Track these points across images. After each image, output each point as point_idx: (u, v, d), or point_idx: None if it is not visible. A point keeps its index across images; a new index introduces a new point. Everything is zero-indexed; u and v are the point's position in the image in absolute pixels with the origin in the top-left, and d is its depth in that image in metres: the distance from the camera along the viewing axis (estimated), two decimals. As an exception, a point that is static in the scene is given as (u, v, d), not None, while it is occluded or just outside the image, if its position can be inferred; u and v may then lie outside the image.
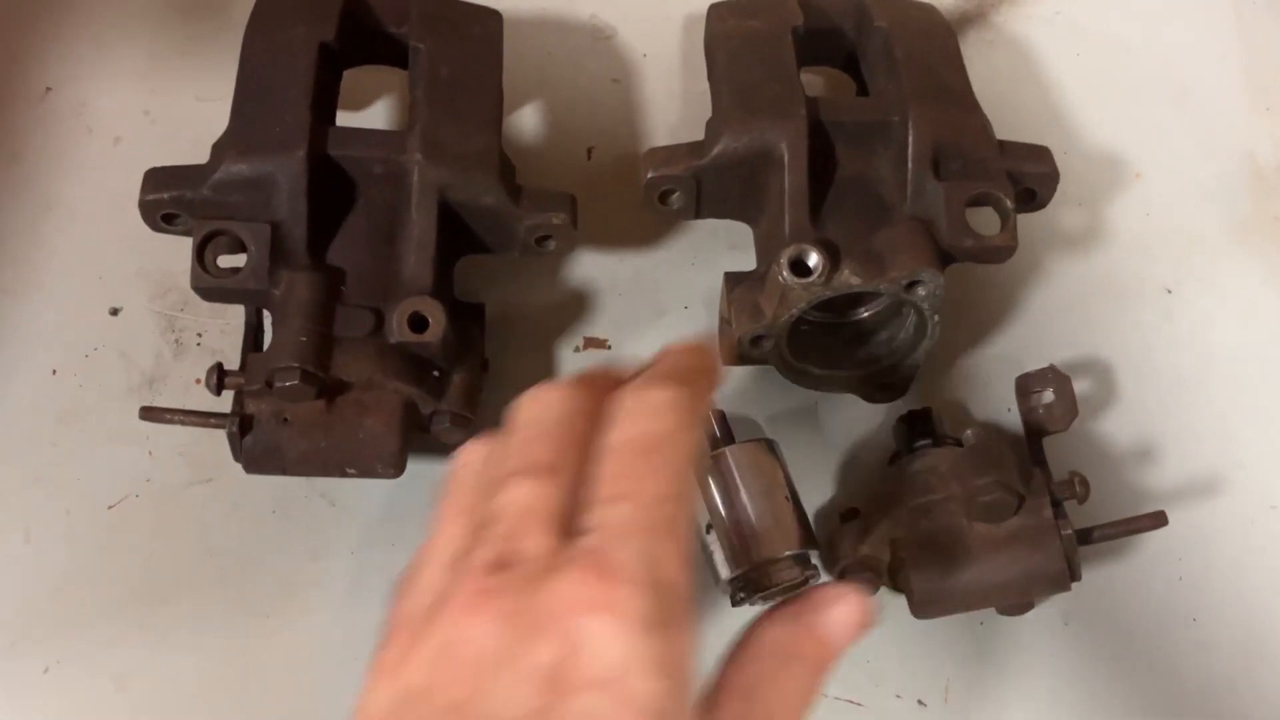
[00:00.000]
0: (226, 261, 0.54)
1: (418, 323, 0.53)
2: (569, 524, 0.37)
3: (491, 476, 0.39)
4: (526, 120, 0.68)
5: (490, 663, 0.34)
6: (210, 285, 0.53)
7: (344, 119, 0.60)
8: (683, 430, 0.39)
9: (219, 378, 0.53)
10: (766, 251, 0.58)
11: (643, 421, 0.39)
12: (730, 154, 0.56)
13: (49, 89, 0.68)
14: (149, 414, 0.55)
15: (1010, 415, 0.62)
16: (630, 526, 0.36)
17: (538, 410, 0.40)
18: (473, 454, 0.42)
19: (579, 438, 0.39)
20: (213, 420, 0.54)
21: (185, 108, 0.68)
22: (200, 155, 0.56)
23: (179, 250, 0.59)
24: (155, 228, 0.56)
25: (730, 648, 0.41)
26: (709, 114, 0.60)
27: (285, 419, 0.53)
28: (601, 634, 0.34)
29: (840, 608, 0.42)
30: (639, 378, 0.41)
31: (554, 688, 0.34)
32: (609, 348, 0.64)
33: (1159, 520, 0.54)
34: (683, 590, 0.36)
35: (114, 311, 0.63)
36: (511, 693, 0.34)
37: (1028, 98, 0.70)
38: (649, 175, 0.57)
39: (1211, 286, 0.65)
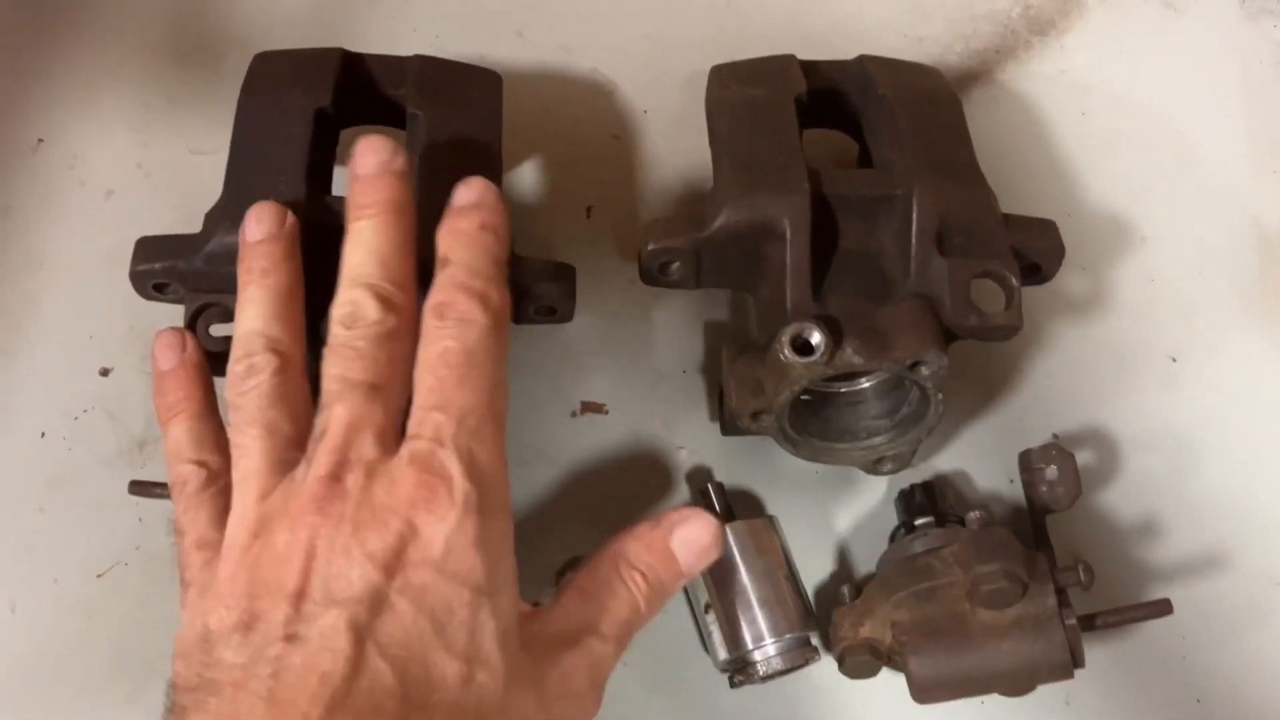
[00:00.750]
0: (220, 330, 0.53)
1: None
2: (392, 435, 0.44)
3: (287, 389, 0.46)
4: (525, 176, 0.67)
5: (325, 554, 0.41)
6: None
7: (340, 174, 0.59)
8: (491, 339, 0.46)
9: (210, 455, 0.52)
10: (767, 322, 0.57)
11: (452, 332, 0.45)
12: (731, 227, 0.55)
13: (41, 140, 0.67)
14: (139, 489, 0.54)
15: (1012, 486, 0.61)
16: (448, 433, 0.43)
17: (353, 335, 0.46)
18: (233, 375, 0.47)
19: (395, 356, 0.45)
20: (203, 496, 0.53)
21: (179, 160, 0.67)
22: (194, 209, 0.55)
23: (171, 310, 0.58)
24: (146, 297, 0.55)
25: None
26: (709, 170, 0.59)
27: (277, 496, 0.52)
28: (428, 521, 0.42)
29: (688, 528, 0.49)
30: (439, 275, 0.47)
31: (388, 569, 0.41)
32: (607, 413, 0.63)
33: (1164, 609, 0.53)
34: (497, 482, 0.44)
35: (104, 372, 0.62)
36: (349, 573, 0.41)
37: (1032, 157, 0.69)
38: (649, 247, 0.56)
39: (1216, 354, 0.65)
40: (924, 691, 0.53)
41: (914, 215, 0.54)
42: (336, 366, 0.45)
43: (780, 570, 0.56)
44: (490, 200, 0.49)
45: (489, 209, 0.49)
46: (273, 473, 0.44)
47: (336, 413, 0.44)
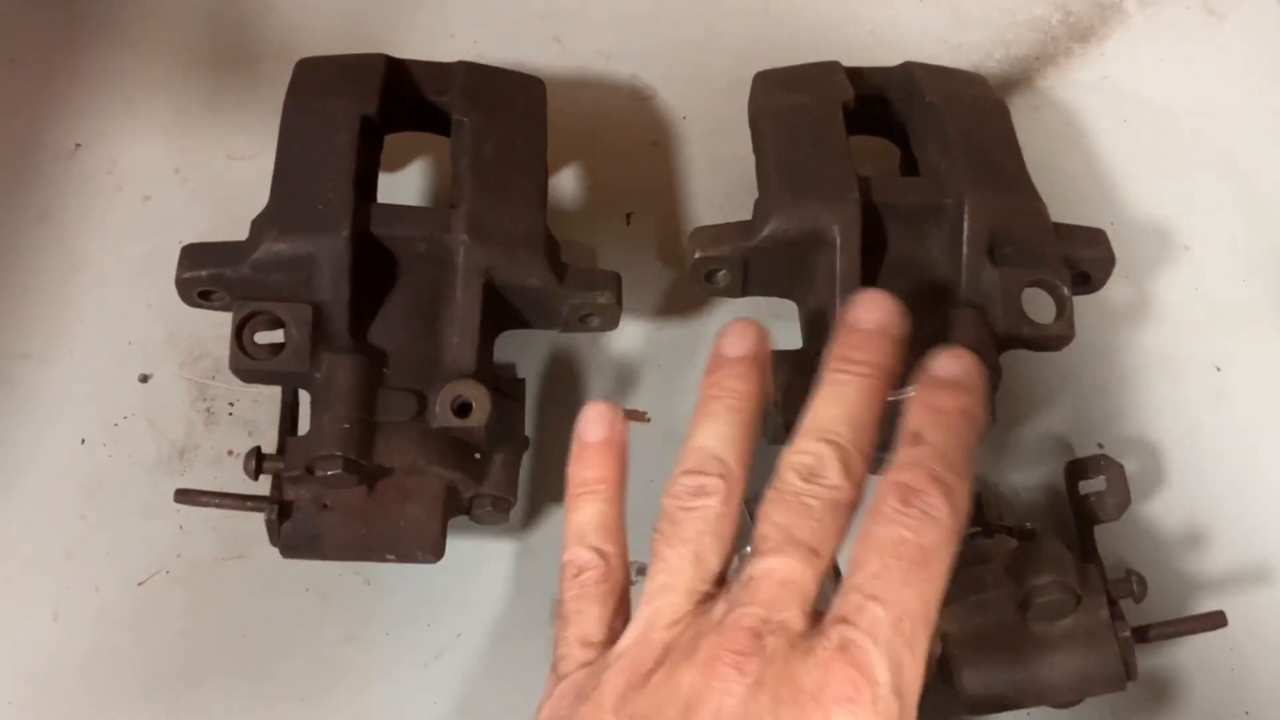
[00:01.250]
0: (265, 337, 0.53)
1: (462, 407, 0.51)
2: (811, 607, 0.41)
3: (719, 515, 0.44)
4: (565, 183, 0.67)
5: (733, 714, 0.39)
6: (250, 367, 0.52)
7: (383, 180, 0.59)
8: (948, 544, 0.41)
9: (258, 463, 0.52)
10: (814, 331, 0.56)
11: (913, 525, 0.41)
12: (779, 236, 0.54)
13: (78, 145, 0.66)
14: (184, 497, 0.53)
15: (1058, 496, 0.60)
16: (884, 632, 0.39)
17: (809, 490, 0.43)
18: (681, 487, 0.45)
19: (840, 528, 0.42)
20: (250, 504, 0.53)
21: (216, 166, 0.66)
22: (231, 216, 0.55)
23: (211, 316, 0.58)
24: (192, 304, 0.55)
25: None
26: (748, 177, 0.59)
27: (325, 505, 0.52)
28: None
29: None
30: (907, 450, 0.43)
31: None
32: (648, 420, 0.62)
33: (1218, 621, 0.52)
34: (912, 701, 0.40)
35: (144, 379, 0.62)
36: None
37: (1074, 165, 0.69)
38: (696, 255, 0.55)
39: (1262, 363, 0.64)
40: (976, 705, 0.52)
41: (965, 225, 0.54)
42: (783, 515, 0.42)
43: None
44: (976, 382, 0.45)
45: (974, 392, 0.44)
46: (688, 600, 0.42)
47: (771, 565, 0.41)
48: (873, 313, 0.46)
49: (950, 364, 0.45)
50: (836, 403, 0.44)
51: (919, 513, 0.41)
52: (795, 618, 0.40)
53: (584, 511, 0.47)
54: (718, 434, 0.45)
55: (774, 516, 0.42)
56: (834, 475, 0.42)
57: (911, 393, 0.45)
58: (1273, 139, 0.69)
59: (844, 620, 0.40)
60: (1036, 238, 0.55)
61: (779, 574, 0.41)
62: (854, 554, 0.41)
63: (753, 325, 0.47)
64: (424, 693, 0.56)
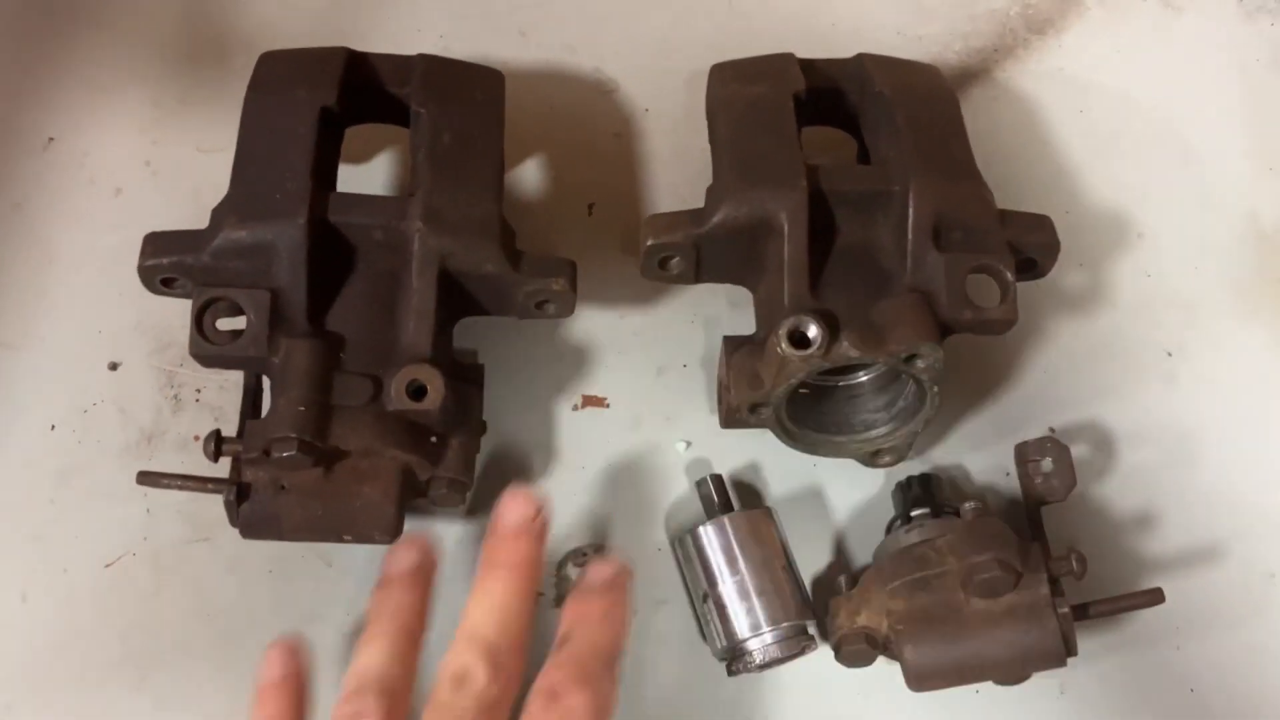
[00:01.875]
0: (226, 324, 0.54)
1: (417, 391, 0.53)
2: None
3: None
4: (528, 174, 0.68)
5: None
6: (209, 353, 0.53)
7: (345, 172, 0.60)
8: None
9: (217, 445, 0.53)
10: (766, 317, 0.57)
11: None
12: (730, 223, 0.56)
13: (51, 139, 0.68)
14: (146, 479, 0.55)
15: (1009, 480, 0.62)
16: None
17: (459, 698, 0.46)
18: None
19: None
20: (210, 486, 0.54)
21: (187, 158, 0.68)
22: (202, 206, 0.56)
23: (179, 306, 0.59)
24: (154, 291, 0.56)
25: None
26: (709, 169, 0.60)
27: (282, 486, 0.53)
28: None
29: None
30: (558, 650, 0.47)
31: None
32: (607, 406, 0.64)
33: (1155, 598, 0.54)
34: None
35: (113, 366, 0.63)
36: None
37: (1031, 155, 0.70)
38: (649, 242, 0.56)
39: (1213, 350, 0.65)
40: (919, 680, 0.54)
41: (910, 211, 0.55)
42: None
43: (778, 560, 0.56)
44: (622, 586, 0.49)
45: (619, 597, 0.49)
46: None
47: None
48: (513, 513, 0.49)
49: (601, 569, 0.49)
50: (484, 605, 0.48)
51: (563, 711, 0.44)
52: None
53: (371, 654, 0.48)
54: (379, 653, 0.47)
55: None
56: (481, 678, 0.45)
57: None
58: (1227, 129, 0.70)
59: None
60: (982, 224, 0.56)
61: None
62: None
63: (417, 543, 0.50)
64: (384, 671, 0.58)
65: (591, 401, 0.64)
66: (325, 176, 0.57)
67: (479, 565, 0.49)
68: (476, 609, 0.48)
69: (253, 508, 0.53)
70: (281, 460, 0.51)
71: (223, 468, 0.54)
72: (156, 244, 0.54)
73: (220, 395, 0.63)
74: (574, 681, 0.45)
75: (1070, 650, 0.53)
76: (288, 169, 0.54)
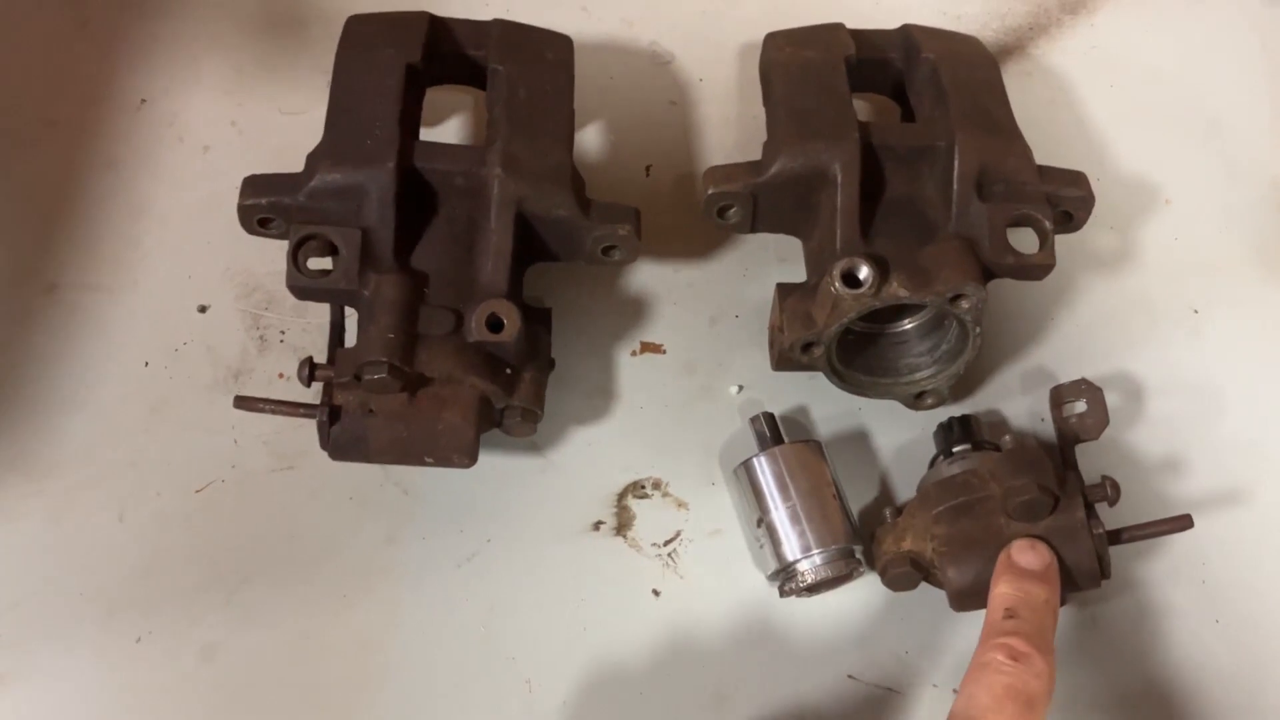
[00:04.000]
0: (315, 263, 0.58)
1: (494, 323, 0.57)
2: None
3: None
4: (590, 138, 0.73)
5: None
6: (304, 284, 0.57)
7: (424, 134, 0.64)
8: (1046, 699, 0.51)
9: (310, 370, 0.57)
10: (818, 264, 0.61)
11: (1022, 676, 0.51)
12: (786, 173, 0.60)
13: (144, 101, 0.72)
14: (243, 403, 0.58)
15: (1044, 425, 0.65)
16: None
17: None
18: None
19: None
20: (302, 410, 0.58)
21: (269, 119, 0.72)
22: (283, 164, 0.60)
23: (264, 252, 0.64)
24: (251, 231, 0.60)
25: None
26: (760, 136, 0.64)
27: (370, 410, 0.57)
28: None
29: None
30: (1004, 623, 0.53)
31: None
32: (664, 352, 0.68)
33: (1185, 523, 0.57)
34: None
35: (202, 309, 0.67)
36: None
37: (1064, 126, 0.73)
38: (709, 191, 0.60)
39: (1236, 307, 0.69)
40: (961, 599, 0.57)
41: (955, 164, 0.59)
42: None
43: (827, 489, 0.60)
44: (1052, 576, 0.55)
45: (1052, 584, 0.54)
46: None
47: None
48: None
49: (1029, 555, 0.55)
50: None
51: (1025, 669, 0.50)
52: None
53: None
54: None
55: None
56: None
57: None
58: (1252, 102, 0.74)
59: None
60: (1022, 177, 0.60)
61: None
62: (963, 696, 0.50)
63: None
64: (456, 590, 0.62)
65: (649, 348, 0.68)
66: (411, 127, 0.61)
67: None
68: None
69: (343, 429, 0.57)
70: (371, 383, 0.55)
71: (311, 398, 0.58)
72: (256, 185, 0.59)
73: (303, 337, 0.67)
74: (1036, 649, 0.51)
75: (1105, 572, 0.56)
76: (377, 119, 0.59)
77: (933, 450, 0.64)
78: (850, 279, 0.57)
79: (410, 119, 0.61)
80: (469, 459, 0.58)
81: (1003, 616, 0.53)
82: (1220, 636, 0.62)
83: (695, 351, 0.67)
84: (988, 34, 0.76)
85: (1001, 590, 0.54)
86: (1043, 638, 0.52)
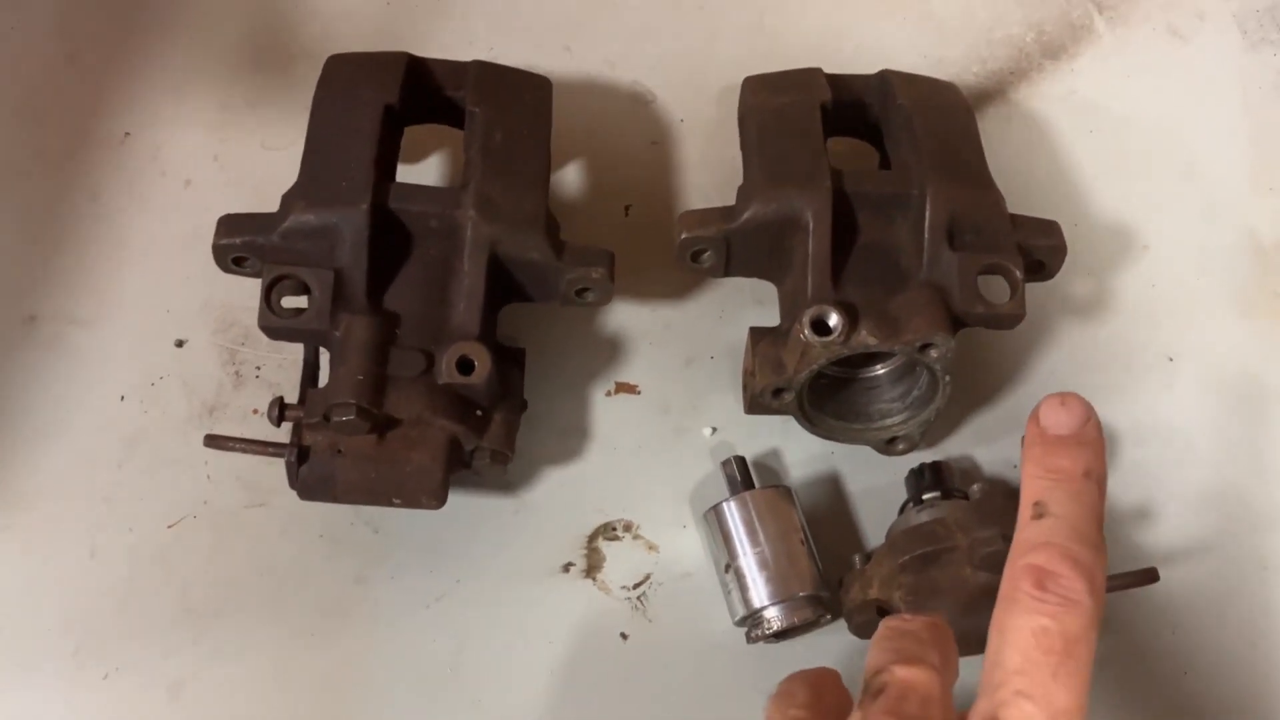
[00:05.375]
0: (290, 303, 0.59)
1: (465, 365, 0.57)
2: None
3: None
4: (570, 177, 0.73)
5: None
6: (276, 325, 0.57)
7: (403, 171, 0.65)
8: (1092, 627, 0.39)
9: (280, 410, 0.57)
10: (790, 309, 0.62)
11: (1053, 611, 0.39)
12: (759, 219, 0.60)
13: (127, 134, 0.73)
14: (213, 441, 0.59)
15: (1015, 472, 0.65)
16: None
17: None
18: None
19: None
20: (271, 449, 0.58)
21: (252, 155, 0.73)
22: (265, 200, 0.61)
23: (242, 287, 0.64)
24: (226, 269, 0.60)
25: None
26: (740, 178, 0.64)
27: (339, 451, 0.57)
28: None
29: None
30: (1034, 526, 0.41)
31: None
32: (639, 392, 0.68)
33: (1151, 576, 0.57)
34: None
35: (179, 343, 0.68)
36: None
37: (1042, 171, 0.74)
38: (683, 235, 0.61)
39: (1211, 355, 0.69)
40: (927, 648, 0.57)
41: (927, 212, 0.59)
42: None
43: (796, 535, 0.60)
44: (1094, 435, 0.42)
45: (1094, 448, 0.42)
46: None
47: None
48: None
49: (1061, 415, 0.43)
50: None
51: (1058, 598, 0.39)
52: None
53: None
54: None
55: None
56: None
57: None
58: (1229, 151, 0.74)
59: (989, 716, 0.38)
60: (994, 226, 0.60)
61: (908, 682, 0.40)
62: (993, 645, 0.40)
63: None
64: (424, 631, 0.62)
65: (624, 388, 0.68)
66: (387, 168, 0.61)
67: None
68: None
69: (311, 470, 0.57)
70: (340, 424, 0.56)
71: (283, 436, 0.59)
72: (230, 225, 0.59)
73: (278, 373, 0.67)
74: (1066, 560, 0.39)
75: (1069, 623, 0.56)
76: (353, 160, 0.59)
77: (903, 494, 0.64)
78: (819, 326, 0.57)
79: (386, 160, 0.61)
80: (437, 501, 0.58)
81: (1031, 516, 0.41)
82: (1190, 689, 0.61)
83: (670, 392, 0.68)
84: (968, 78, 0.76)
85: (1029, 474, 0.42)
86: (1081, 540, 0.39)
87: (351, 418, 0.55)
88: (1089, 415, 0.43)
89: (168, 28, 0.76)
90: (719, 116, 0.74)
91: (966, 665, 0.57)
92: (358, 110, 0.61)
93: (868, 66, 0.69)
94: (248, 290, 0.66)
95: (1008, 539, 0.54)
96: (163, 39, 0.75)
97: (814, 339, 0.57)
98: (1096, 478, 0.41)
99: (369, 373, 0.56)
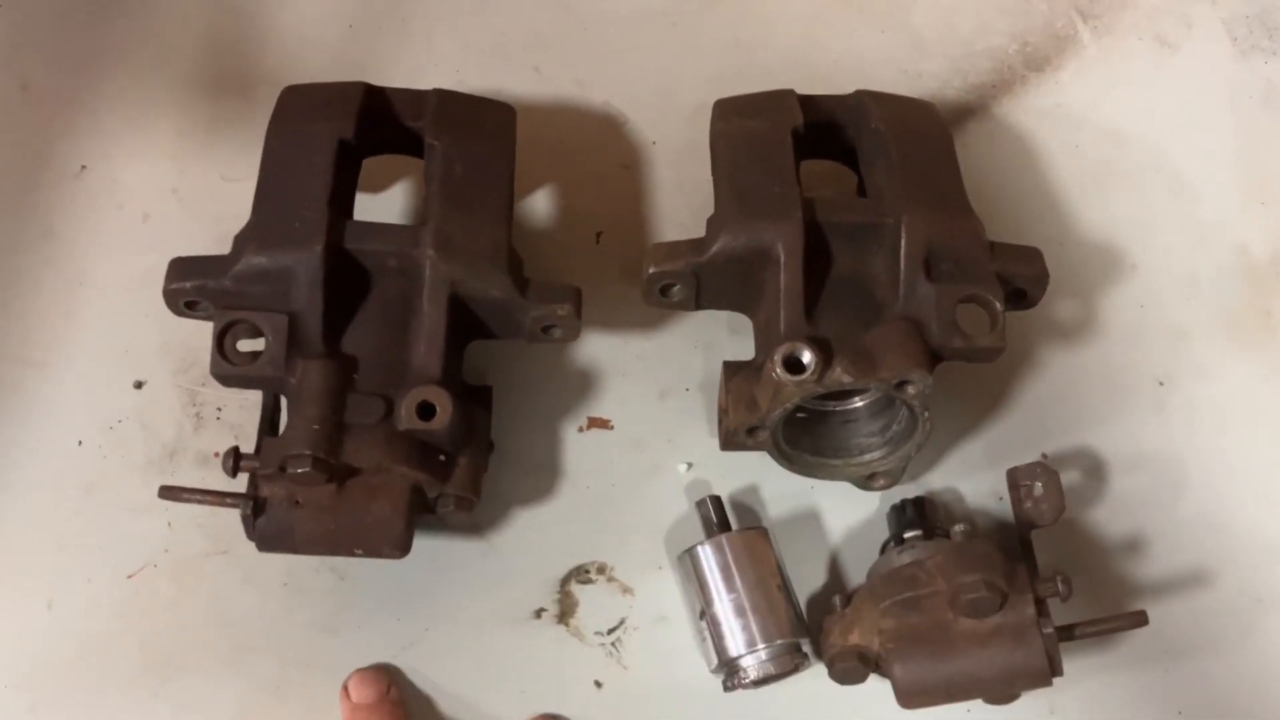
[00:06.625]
0: (246, 345, 0.57)
1: (425, 411, 0.55)
2: None
3: None
4: (539, 203, 0.71)
5: None
6: (229, 373, 0.56)
7: (362, 200, 0.63)
8: None
9: (235, 461, 0.55)
10: (763, 343, 0.59)
11: None
12: (729, 252, 0.58)
13: (84, 167, 0.71)
14: (168, 493, 0.57)
15: (1001, 504, 0.63)
16: None
17: None
18: None
19: None
20: (228, 500, 0.56)
21: (211, 186, 0.70)
22: (225, 232, 0.59)
23: (202, 328, 0.62)
24: (178, 313, 0.58)
25: None
26: (714, 200, 0.62)
27: (297, 502, 0.55)
28: None
29: None
30: None
31: None
32: (612, 428, 0.66)
33: (1139, 620, 0.55)
34: None
35: (138, 385, 0.66)
36: None
37: (1026, 188, 0.71)
38: (650, 270, 0.59)
39: (1203, 379, 0.67)
40: (908, 696, 0.55)
41: (903, 242, 0.57)
42: None
43: (773, 579, 0.58)
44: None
45: None
46: None
47: None
48: (365, 689, 0.58)
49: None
50: None
51: None
52: None
53: None
54: None
55: None
56: None
57: None
58: (1219, 164, 0.72)
59: None
60: (972, 255, 0.58)
61: None
62: None
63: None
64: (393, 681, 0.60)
65: (596, 423, 0.66)
66: (342, 205, 0.59)
67: None
68: None
69: (268, 521, 0.55)
70: (296, 476, 0.54)
71: (241, 483, 0.57)
72: (181, 269, 0.57)
73: (240, 414, 0.65)
74: None
75: (1056, 670, 0.54)
76: (306, 198, 0.57)
77: (885, 531, 0.62)
78: (792, 364, 0.55)
79: (342, 197, 0.59)
80: (400, 551, 0.56)
81: None
82: (1182, 728, 0.60)
83: (644, 427, 0.66)
84: (949, 92, 0.74)
85: None
86: None
87: (308, 469, 0.53)
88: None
89: (124, 55, 0.73)
90: (693, 137, 0.71)
91: (951, 710, 0.56)
92: (311, 146, 0.59)
93: (844, 83, 0.66)
94: (208, 330, 0.64)
95: (991, 585, 0.53)
96: (119, 67, 0.73)
97: (787, 377, 0.55)
98: None
99: (325, 421, 0.54)
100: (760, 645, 0.56)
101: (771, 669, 0.56)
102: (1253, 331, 0.68)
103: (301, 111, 0.60)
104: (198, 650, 0.60)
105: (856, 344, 0.56)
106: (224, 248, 0.58)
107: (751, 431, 0.58)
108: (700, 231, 0.60)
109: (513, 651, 0.61)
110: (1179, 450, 0.65)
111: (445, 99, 0.63)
